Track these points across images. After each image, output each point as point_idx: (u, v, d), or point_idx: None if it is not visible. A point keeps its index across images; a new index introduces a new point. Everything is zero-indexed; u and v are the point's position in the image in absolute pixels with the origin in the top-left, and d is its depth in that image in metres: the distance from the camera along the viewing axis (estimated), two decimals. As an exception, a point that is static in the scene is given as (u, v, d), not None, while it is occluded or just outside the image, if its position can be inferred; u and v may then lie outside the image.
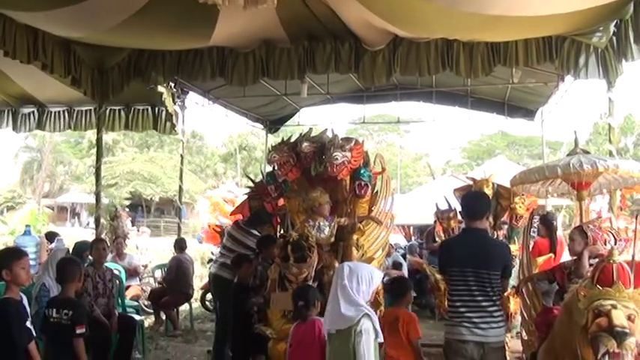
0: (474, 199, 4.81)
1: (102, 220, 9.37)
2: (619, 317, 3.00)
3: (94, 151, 10.74)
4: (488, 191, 6.12)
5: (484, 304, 4.17)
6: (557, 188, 5.54)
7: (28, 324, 3.70)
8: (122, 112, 9.69)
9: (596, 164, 4.53)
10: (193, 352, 7.26)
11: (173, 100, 8.79)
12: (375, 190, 5.65)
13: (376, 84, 8.00)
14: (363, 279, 3.62)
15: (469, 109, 11.23)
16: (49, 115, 10.05)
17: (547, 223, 7.32)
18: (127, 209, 23.34)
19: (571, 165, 4.56)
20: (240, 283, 6.07)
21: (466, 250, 4.31)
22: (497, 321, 4.19)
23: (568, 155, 4.94)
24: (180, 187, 10.84)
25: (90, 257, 6.64)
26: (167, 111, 8.93)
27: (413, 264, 8.16)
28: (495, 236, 6.20)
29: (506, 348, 5.94)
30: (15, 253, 3.92)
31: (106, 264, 6.87)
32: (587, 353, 3.14)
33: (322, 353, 3.88)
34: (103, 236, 8.50)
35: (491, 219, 6.13)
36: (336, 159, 5.08)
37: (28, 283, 3.91)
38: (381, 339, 3.59)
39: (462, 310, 4.19)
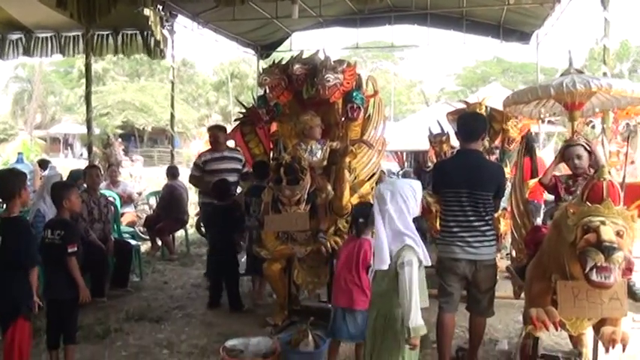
0: (469, 120, 4.79)
1: (94, 149, 9.36)
2: (607, 233, 3.05)
3: (84, 80, 10.52)
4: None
5: (476, 223, 4.24)
6: (550, 109, 5.50)
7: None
8: (110, 37, 9.55)
9: (589, 83, 4.48)
10: (190, 275, 7.40)
11: (161, 24, 8.61)
12: (368, 114, 5.60)
13: (370, 5, 7.81)
14: (407, 195, 3.22)
15: (464, 32, 11.10)
16: (36, 41, 9.92)
17: (528, 143, 7.33)
18: (120, 139, 23.20)
19: (564, 85, 4.50)
20: (228, 205, 6.19)
21: (460, 172, 4.32)
22: (489, 239, 4.28)
23: (562, 75, 4.88)
24: (172, 114, 10.76)
25: (84, 185, 6.67)
26: (155, 36, 8.75)
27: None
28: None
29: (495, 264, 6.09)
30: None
31: (100, 191, 6.90)
32: (574, 268, 3.21)
33: (363, 274, 4.04)
34: (96, 164, 8.49)
35: (486, 142, 6.14)
36: (328, 81, 5.00)
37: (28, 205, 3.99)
38: (428, 262, 3.23)
39: (456, 229, 4.26)
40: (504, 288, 5.90)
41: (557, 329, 3.57)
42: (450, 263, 4.29)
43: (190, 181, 7.26)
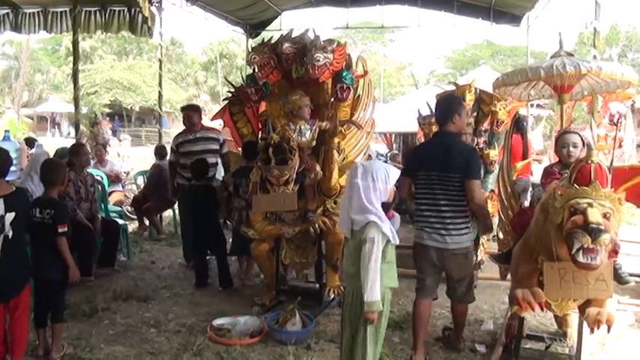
0: (440, 103, 4.64)
1: (82, 127, 9.27)
2: (594, 215, 3.05)
3: (72, 58, 10.36)
4: (471, 97, 6.08)
5: (445, 209, 4.11)
6: (540, 91, 5.51)
7: None
8: (98, 14, 9.44)
9: (579, 66, 4.48)
10: (178, 255, 7.37)
11: (149, 0, 8.48)
12: (357, 95, 5.58)
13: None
14: (379, 177, 3.30)
15: (455, 14, 11.05)
16: (23, 17, 9.76)
17: (519, 124, 7.36)
18: (108, 118, 23.02)
19: (554, 67, 4.51)
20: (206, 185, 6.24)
21: (432, 154, 4.24)
22: (458, 228, 4.12)
23: (552, 57, 4.88)
24: (159, 93, 10.69)
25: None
26: (143, 13, 8.63)
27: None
28: (475, 143, 6.22)
29: (476, 254, 6.11)
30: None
31: (87, 170, 6.83)
32: (561, 249, 3.23)
33: None
34: (83, 142, 8.42)
35: (472, 124, 6.14)
36: (318, 60, 4.97)
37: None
38: (396, 241, 3.34)
39: (426, 214, 4.17)
40: (490, 269, 5.96)
41: (542, 310, 3.60)
42: (420, 248, 4.24)
43: (170, 172, 7.11)
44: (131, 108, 38.80)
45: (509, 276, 4.25)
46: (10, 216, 3.73)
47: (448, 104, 4.42)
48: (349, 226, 3.39)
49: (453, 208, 4.12)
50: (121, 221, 7.32)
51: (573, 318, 4.21)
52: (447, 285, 4.37)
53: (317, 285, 5.51)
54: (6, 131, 11.45)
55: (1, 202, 3.74)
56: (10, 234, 3.74)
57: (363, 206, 3.28)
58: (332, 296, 5.42)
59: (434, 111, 4.94)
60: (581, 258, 3.08)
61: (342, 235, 4.82)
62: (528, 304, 3.48)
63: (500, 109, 6.32)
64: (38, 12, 9.71)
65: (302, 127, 5.25)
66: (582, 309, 3.56)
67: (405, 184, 4.30)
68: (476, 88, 6.24)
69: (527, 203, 5.22)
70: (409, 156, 4.99)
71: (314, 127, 5.28)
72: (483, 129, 6.41)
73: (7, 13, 9.76)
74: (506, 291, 4.93)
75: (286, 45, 5.21)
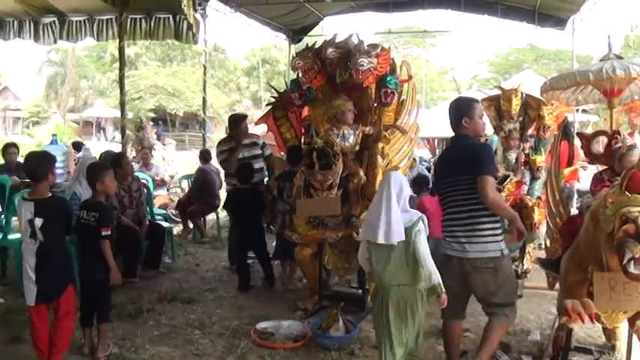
0: (450, 108, 4.17)
1: (128, 132, 9.45)
2: (647, 224, 2.96)
3: (117, 65, 10.61)
4: (517, 101, 5.98)
5: (464, 215, 3.78)
6: (588, 96, 5.40)
7: None
8: (143, 21, 9.59)
9: (629, 69, 4.39)
10: (222, 258, 7.43)
11: (194, 7, 8.60)
12: (401, 99, 5.56)
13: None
14: (404, 184, 3.75)
15: (499, 17, 10.89)
16: (70, 25, 9.97)
17: (566, 130, 7.21)
18: (152, 123, 23.40)
19: (604, 70, 4.42)
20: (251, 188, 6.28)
21: (446, 160, 4.15)
22: (479, 235, 3.73)
23: (601, 61, 4.77)
24: (204, 99, 10.83)
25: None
26: (188, 20, 8.76)
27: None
28: (522, 148, 6.13)
29: (522, 262, 5.98)
30: (48, 159, 4.13)
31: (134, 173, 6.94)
32: (612, 259, 3.14)
33: None
34: (129, 147, 8.58)
35: (511, 126, 6.04)
36: (362, 65, 4.96)
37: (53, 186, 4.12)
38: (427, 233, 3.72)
39: (447, 222, 3.91)
40: (537, 278, 5.84)
41: (592, 321, 3.47)
42: (443, 259, 3.85)
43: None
44: (175, 113, 39.46)
45: (557, 285, 4.16)
46: (38, 221, 3.82)
47: (456, 109, 4.07)
48: (401, 232, 3.57)
49: (472, 214, 3.76)
50: (165, 224, 7.44)
51: (622, 330, 4.09)
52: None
53: (360, 290, 5.49)
54: (53, 135, 11.74)
55: (32, 205, 3.87)
56: (42, 239, 3.84)
57: (407, 207, 3.69)
58: (375, 302, 5.38)
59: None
60: (632, 269, 2.97)
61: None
62: (578, 315, 3.36)
63: (547, 114, 6.20)
64: (84, 20, 9.92)
65: (345, 131, 5.25)
66: (632, 321, 3.47)
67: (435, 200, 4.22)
68: (522, 93, 6.14)
69: (573, 211, 5.11)
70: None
71: (357, 132, 5.27)
72: (529, 134, 6.30)
73: (54, 21, 10.00)
74: (552, 301, 4.82)
75: (330, 50, 5.22)
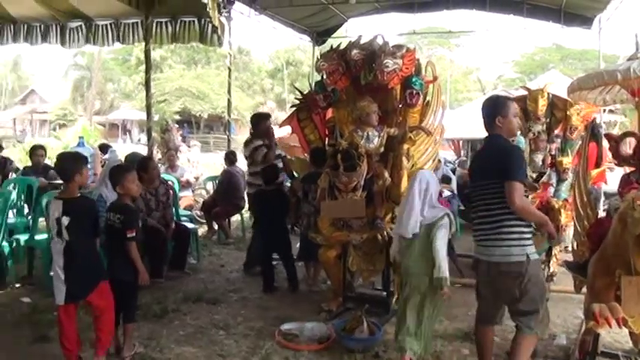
0: (483, 107, 3.97)
1: (153, 134, 9.55)
2: (676, 226, 2.91)
3: (142, 68, 10.74)
4: (543, 102, 5.94)
5: (492, 219, 3.65)
6: (615, 96, 5.31)
7: None
8: (169, 25, 9.65)
9: (657, 68, 4.29)
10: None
11: (219, 10, 8.65)
12: (426, 100, 5.53)
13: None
14: (431, 180, 4.16)
15: (524, 17, 10.79)
16: (96, 29, 10.08)
17: (594, 131, 7.11)
18: (177, 125, 23.64)
19: (631, 69, 4.32)
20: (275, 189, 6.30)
21: (477, 162, 4.05)
22: (505, 238, 3.59)
23: (628, 60, 4.69)
24: (228, 101, 10.89)
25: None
26: (213, 23, 8.82)
27: (464, 177, 8.08)
28: (548, 149, 6.06)
29: (548, 266, 5.90)
30: (77, 161, 4.15)
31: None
32: (640, 263, 3.10)
33: None
34: (155, 149, 8.66)
35: (538, 127, 5.97)
36: (387, 66, 4.96)
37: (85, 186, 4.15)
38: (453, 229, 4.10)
39: (476, 225, 3.80)
40: (564, 281, 5.77)
41: (620, 326, 3.41)
42: (475, 263, 3.85)
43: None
44: (199, 115, 39.76)
45: (583, 289, 4.09)
46: (65, 220, 3.87)
47: (490, 107, 3.88)
48: (415, 225, 3.98)
49: (498, 217, 3.62)
50: (191, 225, 7.50)
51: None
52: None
53: (384, 293, 5.47)
54: (80, 137, 11.93)
55: (61, 204, 3.92)
56: (67, 238, 3.89)
57: (435, 203, 4.05)
58: (399, 304, 5.36)
59: None
60: (661, 272, 2.93)
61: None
62: (605, 319, 3.30)
63: (573, 115, 6.13)
64: (110, 24, 10.02)
65: (370, 133, 5.24)
66: (661, 327, 3.39)
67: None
68: (549, 93, 6.08)
69: (601, 213, 5.03)
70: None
71: (382, 134, 5.26)
72: (556, 135, 6.23)
73: (80, 26, 10.14)
74: (579, 304, 4.76)
75: (355, 51, 5.22)
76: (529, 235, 3.64)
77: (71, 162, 4.11)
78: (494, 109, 3.82)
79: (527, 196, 4.68)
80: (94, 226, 4.04)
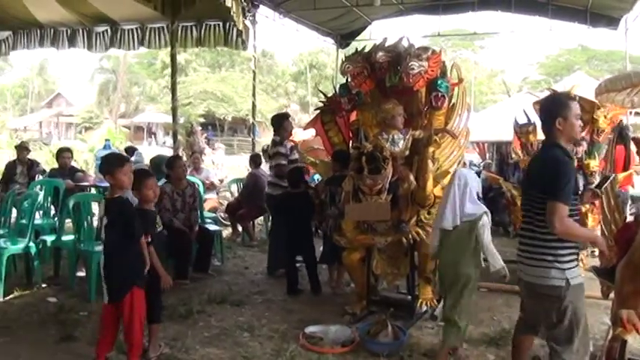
0: (541, 108, 3.67)
1: (179, 137, 9.65)
2: None
3: (167, 71, 10.82)
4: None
5: (530, 233, 3.37)
6: (644, 98, 5.23)
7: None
8: (194, 29, 9.75)
9: (690, 70, 4.22)
10: (269, 262, 7.50)
11: (243, 14, 8.71)
12: (452, 103, 5.50)
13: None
14: (470, 179, 4.33)
15: (550, 18, 10.68)
16: (122, 34, 10.22)
17: (622, 133, 7.01)
18: (201, 128, 23.90)
19: (661, 71, 4.26)
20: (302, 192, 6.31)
21: (529, 168, 3.71)
22: (542, 258, 3.26)
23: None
24: (253, 104, 10.94)
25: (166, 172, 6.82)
26: (238, 27, 8.88)
27: (489, 179, 8.01)
28: (574, 152, 5.98)
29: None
30: (118, 161, 4.16)
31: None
32: (669, 268, 3.03)
33: None
34: (180, 151, 8.73)
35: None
36: (412, 69, 4.94)
37: (129, 188, 4.15)
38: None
39: (520, 237, 3.55)
40: (591, 287, 5.67)
41: (648, 333, 3.37)
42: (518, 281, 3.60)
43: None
44: (224, 118, 40.05)
45: (611, 295, 4.03)
46: (105, 220, 3.94)
47: (550, 108, 3.49)
48: (456, 218, 4.20)
49: (539, 234, 3.28)
50: (215, 227, 7.54)
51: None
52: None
53: (409, 296, 5.44)
54: (106, 140, 12.11)
55: (103, 204, 4.01)
56: (104, 238, 3.96)
57: (475, 199, 4.23)
58: (424, 308, 5.33)
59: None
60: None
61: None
62: (633, 326, 3.26)
63: (600, 117, 6.06)
64: (136, 28, 10.14)
65: (395, 136, 5.21)
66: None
67: None
68: (575, 95, 6.00)
69: (630, 217, 4.95)
70: None
71: (407, 137, 5.22)
72: (582, 138, 6.16)
73: (106, 30, 10.27)
74: (606, 310, 4.69)
75: (380, 54, 5.21)
76: (572, 257, 3.28)
77: (106, 163, 4.14)
78: (553, 110, 3.39)
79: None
80: (127, 227, 3.96)
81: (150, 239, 4.20)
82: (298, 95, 44.92)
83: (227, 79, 42.14)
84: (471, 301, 4.34)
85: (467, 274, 4.20)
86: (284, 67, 48.89)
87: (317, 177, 8.07)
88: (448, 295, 4.35)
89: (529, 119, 6.50)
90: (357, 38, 12.65)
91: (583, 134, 6.15)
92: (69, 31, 10.45)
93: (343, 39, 12.85)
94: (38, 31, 10.58)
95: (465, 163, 6.98)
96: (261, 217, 9.24)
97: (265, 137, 31.56)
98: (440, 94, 5.13)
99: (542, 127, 3.54)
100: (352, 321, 5.16)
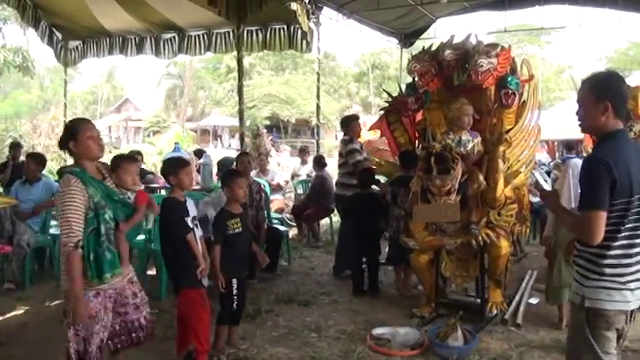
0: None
1: (245, 139, 9.78)
2: None
3: (232, 75, 10.97)
4: (645, 101, 5.59)
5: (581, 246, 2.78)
6: None
7: (188, 220, 4.05)
8: (259, 33, 9.87)
9: None
10: (335, 263, 7.49)
11: (307, 16, 8.75)
12: (522, 100, 5.35)
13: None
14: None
15: (619, 9, 10.23)
16: (189, 40, 10.46)
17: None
18: (266, 130, 24.20)
19: None
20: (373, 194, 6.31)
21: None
22: (578, 271, 2.73)
23: None
24: (317, 105, 10.98)
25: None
26: (302, 29, 8.93)
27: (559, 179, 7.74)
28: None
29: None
30: (181, 162, 4.35)
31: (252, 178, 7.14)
32: None
33: None
34: (247, 151, 8.84)
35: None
36: (481, 66, 4.83)
37: (190, 188, 4.27)
38: None
39: None
40: None
41: None
42: None
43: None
44: (287, 120, 40.37)
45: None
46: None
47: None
48: (576, 198, 4.02)
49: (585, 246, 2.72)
50: (282, 228, 7.62)
51: None
52: None
53: (478, 300, 5.32)
54: (176, 143, 12.39)
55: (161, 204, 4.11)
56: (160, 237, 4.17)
57: None
58: (494, 312, 5.19)
59: None
60: None
61: (507, 249, 4.72)
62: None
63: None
64: (203, 34, 10.38)
65: (462, 137, 5.12)
66: None
67: None
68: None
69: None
70: None
71: (476, 140, 5.11)
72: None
73: (174, 37, 10.53)
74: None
75: (447, 52, 5.11)
76: (597, 275, 2.64)
77: (167, 166, 4.36)
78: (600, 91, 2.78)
79: None
80: (172, 227, 4.03)
81: (213, 238, 4.28)
82: (360, 96, 44.83)
83: (290, 81, 42.52)
84: None
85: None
86: (346, 69, 48.91)
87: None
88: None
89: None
90: (421, 37, 12.50)
91: None
92: (137, 39, 10.79)
93: (407, 38, 12.72)
94: (107, 40, 10.98)
95: (535, 163, 6.78)
96: (326, 218, 9.25)
97: (329, 138, 31.71)
98: (510, 92, 5.00)
99: None
100: (420, 324, 5.10)
